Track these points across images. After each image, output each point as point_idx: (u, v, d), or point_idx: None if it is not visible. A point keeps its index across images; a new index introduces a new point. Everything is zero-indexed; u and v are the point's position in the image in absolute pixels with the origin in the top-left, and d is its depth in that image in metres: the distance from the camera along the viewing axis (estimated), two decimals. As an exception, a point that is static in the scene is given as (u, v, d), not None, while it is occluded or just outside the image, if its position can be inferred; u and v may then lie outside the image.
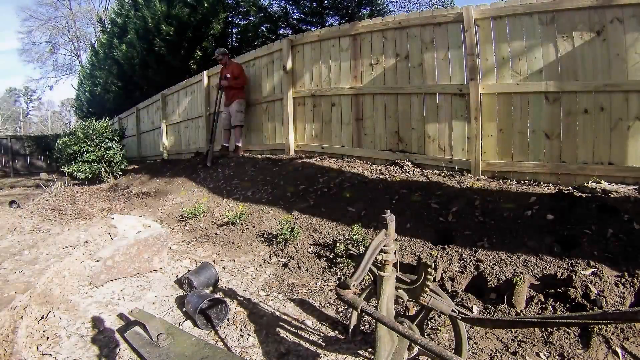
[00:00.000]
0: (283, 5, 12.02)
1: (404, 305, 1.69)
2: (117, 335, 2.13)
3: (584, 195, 2.88)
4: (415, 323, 1.69)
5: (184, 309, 2.39)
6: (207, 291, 2.70)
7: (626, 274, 2.06)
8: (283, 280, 2.80)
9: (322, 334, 2.17)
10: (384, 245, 1.50)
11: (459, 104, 3.97)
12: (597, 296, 1.96)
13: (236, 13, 11.37)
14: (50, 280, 2.66)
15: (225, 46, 11.20)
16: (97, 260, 2.93)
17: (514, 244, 2.58)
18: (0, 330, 2.04)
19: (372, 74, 4.67)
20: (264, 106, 6.05)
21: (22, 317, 2.24)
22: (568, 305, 2.01)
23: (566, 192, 2.95)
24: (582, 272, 2.14)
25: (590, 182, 3.29)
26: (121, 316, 2.36)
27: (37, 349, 1.97)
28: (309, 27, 11.61)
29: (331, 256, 2.96)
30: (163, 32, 10.03)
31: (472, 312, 2.14)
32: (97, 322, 2.31)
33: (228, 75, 6.08)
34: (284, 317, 2.35)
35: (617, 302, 1.93)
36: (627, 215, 2.49)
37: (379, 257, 1.48)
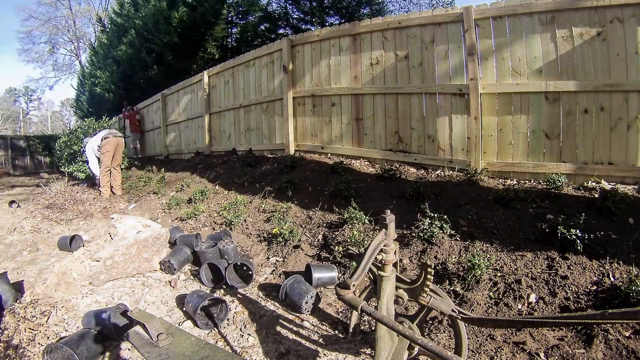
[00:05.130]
0: (283, 5, 12.02)
1: (404, 305, 1.69)
2: (118, 335, 2.12)
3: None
4: (415, 323, 1.69)
5: (184, 309, 2.40)
6: (207, 291, 2.70)
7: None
8: (282, 279, 2.80)
9: (322, 334, 2.17)
10: (384, 245, 1.50)
11: (459, 104, 3.97)
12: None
13: (235, 12, 11.36)
14: (50, 281, 2.67)
15: (224, 46, 11.21)
16: (97, 260, 2.93)
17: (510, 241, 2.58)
18: (6, 332, 2.05)
19: (372, 74, 4.67)
20: (263, 106, 6.05)
21: (23, 317, 2.24)
22: None
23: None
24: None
25: (590, 181, 3.29)
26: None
27: (39, 349, 1.97)
28: (308, 27, 11.59)
29: (330, 257, 2.96)
30: (163, 32, 10.03)
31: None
32: (97, 322, 2.30)
33: None
34: (283, 316, 2.35)
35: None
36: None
37: (379, 257, 1.48)
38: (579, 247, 2.32)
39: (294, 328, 2.22)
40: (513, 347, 1.88)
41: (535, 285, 2.22)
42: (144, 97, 10.72)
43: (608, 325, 1.81)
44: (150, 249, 3.11)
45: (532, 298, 2.15)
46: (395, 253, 1.54)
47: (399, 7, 15.62)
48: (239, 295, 2.62)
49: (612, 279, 2.12)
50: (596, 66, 3.34)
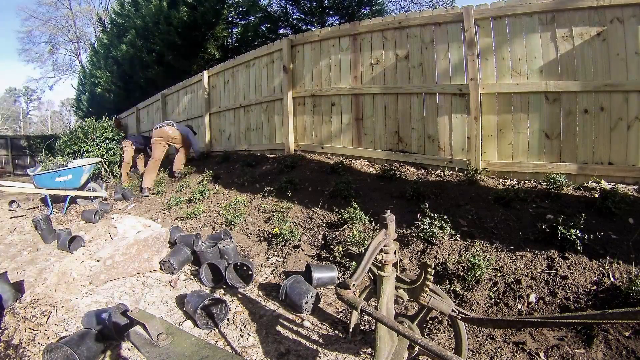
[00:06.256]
0: (283, 5, 12.01)
1: (404, 305, 1.69)
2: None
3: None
4: (415, 323, 1.69)
5: (184, 309, 2.40)
6: (207, 290, 2.70)
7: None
8: (282, 279, 2.80)
9: (322, 334, 2.17)
10: (384, 245, 1.50)
11: (459, 104, 3.97)
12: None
13: (236, 13, 11.36)
14: (50, 281, 2.67)
15: (225, 46, 11.22)
16: (97, 260, 2.93)
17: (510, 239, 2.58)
18: (6, 332, 2.05)
19: (372, 74, 4.67)
20: (263, 106, 6.05)
21: (23, 317, 2.24)
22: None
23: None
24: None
25: (590, 181, 3.29)
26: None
27: (39, 349, 1.97)
28: (309, 27, 11.60)
29: (330, 257, 2.96)
30: (163, 32, 10.03)
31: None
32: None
33: None
34: (284, 316, 2.35)
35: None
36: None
37: (379, 257, 1.48)
38: (579, 247, 2.32)
39: (294, 328, 2.22)
40: (513, 347, 1.88)
41: (535, 285, 2.22)
42: (144, 97, 10.70)
43: (608, 325, 1.81)
44: (150, 249, 3.11)
45: (532, 298, 2.15)
46: (395, 253, 1.54)
47: (399, 7, 15.61)
48: (239, 295, 2.62)
49: (612, 279, 2.12)
50: (596, 66, 3.34)
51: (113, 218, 4.33)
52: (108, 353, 2.00)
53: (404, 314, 1.94)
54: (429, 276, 1.50)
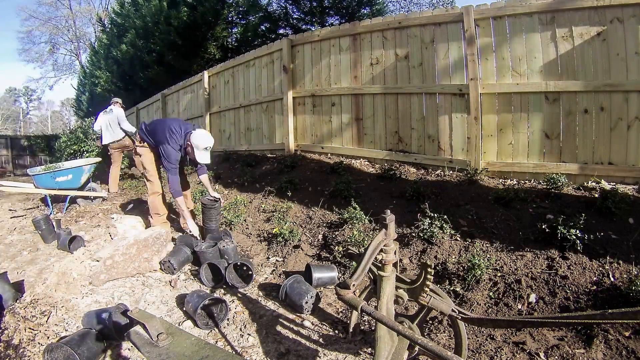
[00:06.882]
0: (283, 5, 12.01)
1: (404, 305, 1.69)
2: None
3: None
4: (415, 323, 1.69)
5: (184, 309, 2.40)
6: (207, 290, 2.70)
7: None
8: (282, 279, 2.80)
9: (322, 334, 2.17)
10: (384, 245, 1.50)
11: (459, 104, 3.97)
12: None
13: (236, 12, 11.36)
14: (50, 281, 2.67)
15: (225, 46, 11.22)
16: (97, 260, 2.93)
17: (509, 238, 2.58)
18: (6, 332, 2.05)
19: (372, 74, 4.67)
20: (263, 106, 6.05)
21: (23, 317, 2.24)
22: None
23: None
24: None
25: (590, 181, 3.29)
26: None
27: (39, 349, 1.97)
28: (309, 27, 11.58)
29: (330, 257, 2.96)
30: (163, 32, 10.03)
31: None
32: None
33: None
34: (284, 316, 2.35)
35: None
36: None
37: (379, 257, 1.48)
38: (579, 247, 2.32)
39: (294, 328, 2.22)
40: (513, 347, 1.88)
41: (535, 285, 2.22)
42: (144, 97, 10.71)
43: (608, 325, 1.81)
44: (150, 248, 3.11)
45: (532, 298, 2.15)
46: (395, 253, 1.54)
47: (399, 7, 15.60)
48: (239, 295, 2.62)
49: (612, 279, 2.12)
50: (596, 66, 3.34)
51: (113, 218, 4.33)
52: (108, 353, 2.00)
53: (404, 314, 1.94)
54: (429, 276, 1.50)
